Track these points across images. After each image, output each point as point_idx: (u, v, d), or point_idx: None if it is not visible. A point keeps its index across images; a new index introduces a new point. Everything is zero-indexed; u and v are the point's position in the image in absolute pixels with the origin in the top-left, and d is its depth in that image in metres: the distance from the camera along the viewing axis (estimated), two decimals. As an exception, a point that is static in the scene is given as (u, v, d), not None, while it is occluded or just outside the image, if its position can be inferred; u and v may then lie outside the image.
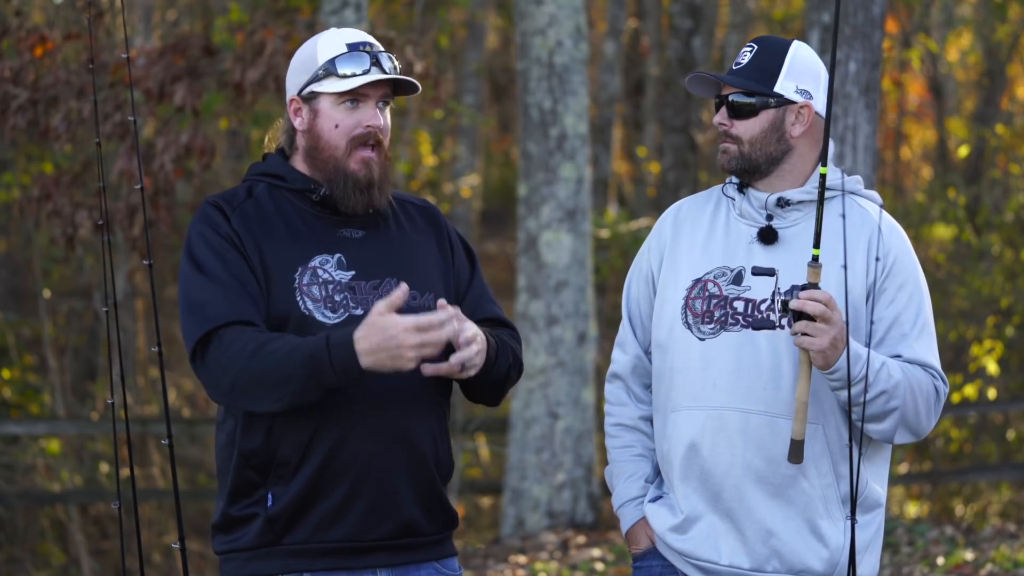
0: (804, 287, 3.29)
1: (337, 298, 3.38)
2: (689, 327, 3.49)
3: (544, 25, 9.60)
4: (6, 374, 12.29)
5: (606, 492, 9.53)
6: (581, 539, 9.26)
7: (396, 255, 3.48)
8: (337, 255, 3.42)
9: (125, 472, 9.89)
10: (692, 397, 3.48)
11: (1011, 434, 13.21)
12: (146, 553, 11.42)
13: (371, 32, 8.61)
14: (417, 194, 16.97)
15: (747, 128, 3.49)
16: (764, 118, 3.49)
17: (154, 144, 8.80)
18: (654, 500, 3.59)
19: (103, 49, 10.71)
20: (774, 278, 3.36)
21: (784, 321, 3.37)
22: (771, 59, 3.50)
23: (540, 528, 9.57)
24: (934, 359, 3.47)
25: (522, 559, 8.88)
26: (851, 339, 3.34)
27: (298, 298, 3.36)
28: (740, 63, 3.52)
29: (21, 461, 11.41)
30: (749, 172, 3.51)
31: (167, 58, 8.67)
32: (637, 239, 13.66)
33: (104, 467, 11.82)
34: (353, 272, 3.41)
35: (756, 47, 3.53)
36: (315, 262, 3.40)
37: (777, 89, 3.49)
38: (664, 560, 3.57)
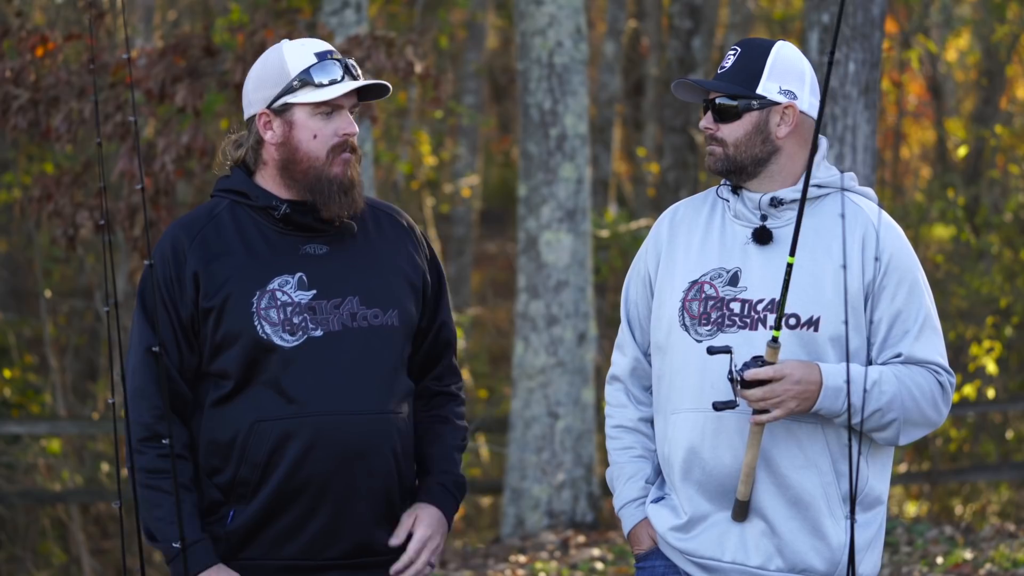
0: (759, 361, 3.33)
1: (296, 320, 3.38)
2: (687, 329, 3.50)
3: (544, 25, 9.61)
4: (7, 374, 12.31)
5: (606, 492, 9.54)
6: (581, 539, 9.27)
7: (360, 271, 3.47)
8: (298, 275, 3.41)
9: (126, 472, 9.88)
10: (691, 399, 3.49)
11: (1010, 434, 13.22)
12: (147, 552, 11.41)
13: (371, 32, 8.62)
14: (417, 194, 16.97)
15: (731, 131, 3.50)
16: (747, 120, 3.49)
17: (155, 144, 8.80)
18: (656, 501, 3.60)
19: (104, 50, 10.72)
20: (730, 356, 3.38)
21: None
22: (753, 61, 3.51)
23: (540, 528, 9.59)
24: (938, 355, 3.47)
25: (522, 559, 8.89)
26: (830, 368, 3.36)
27: (256, 323, 3.37)
28: (724, 67, 3.54)
29: (22, 461, 11.42)
30: (735, 173, 3.52)
31: (168, 59, 8.67)
32: (637, 239, 13.67)
33: (105, 467, 11.83)
34: (315, 291, 3.41)
35: (739, 50, 3.55)
36: (274, 284, 3.40)
37: (760, 91, 3.49)
38: (667, 560, 3.58)
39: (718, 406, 3.36)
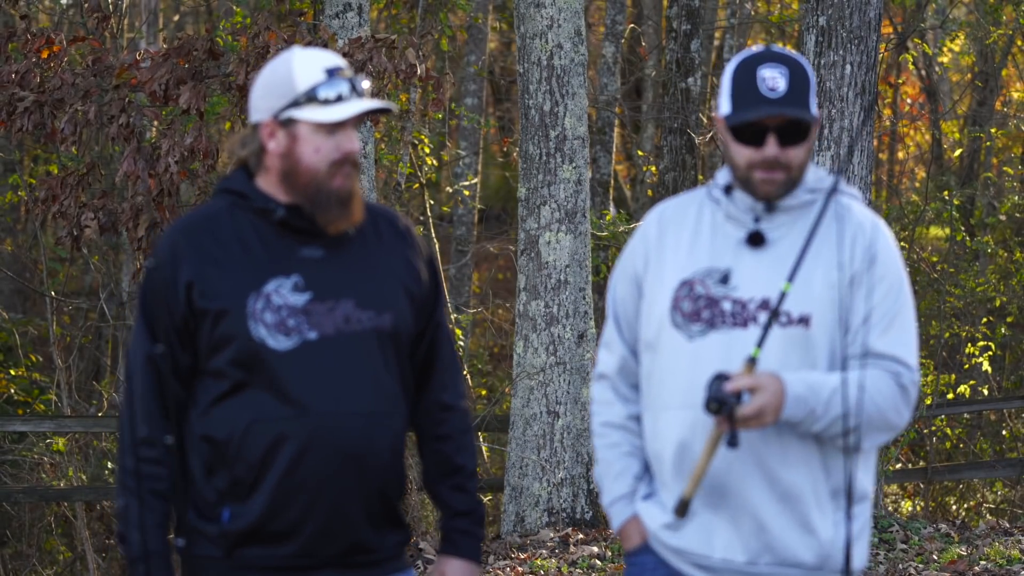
0: (725, 380, 3.33)
1: (291, 323, 3.39)
2: (678, 327, 3.51)
3: (544, 28, 9.69)
4: (13, 372, 12.39)
5: (605, 489, 9.60)
6: (580, 536, 9.34)
7: (356, 273, 3.48)
8: (294, 277, 3.42)
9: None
10: (682, 396, 3.50)
11: (1005, 432, 13.30)
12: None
13: (373, 35, 8.71)
14: (419, 195, 17.01)
15: (798, 154, 3.48)
16: (809, 141, 3.51)
17: (158, 146, 8.87)
18: (646, 498, 3.62)
19: (108, 52, 10.80)
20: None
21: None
22: (803, 81, 3.48)
23: (540, 525, 9.66)
24: (904, 350, 3.47)
25: (522, 556, 8.95)
26: (791, 378, 3.37)
27: (250, 325, 3.38)
28: (777, 90, 3.45)
29: (27, 458, 11.50)
30: (782, 195, 3.53)
31: (171, 61, 8.73)
32: (636, 239, 13.71)
33: (110, 464, 11.91)
34: (310, 294, 3.42)
35: (787, 70, 3.47)
36: (269, 287, 3.40)
37: (814, 111, 3.52)
38: (657, 556, 3.60)
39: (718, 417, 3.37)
